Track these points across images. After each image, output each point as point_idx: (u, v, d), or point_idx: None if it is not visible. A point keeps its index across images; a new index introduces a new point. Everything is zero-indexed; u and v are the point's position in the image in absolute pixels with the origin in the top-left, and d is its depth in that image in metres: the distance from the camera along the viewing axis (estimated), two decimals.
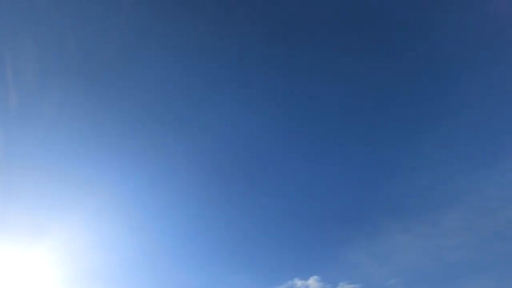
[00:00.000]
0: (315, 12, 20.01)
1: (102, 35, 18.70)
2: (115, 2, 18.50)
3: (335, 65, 20.67)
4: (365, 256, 18.93)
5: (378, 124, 20.87)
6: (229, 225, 21.01)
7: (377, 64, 20.55)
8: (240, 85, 21.04)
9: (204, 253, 20.77)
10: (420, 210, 19.03)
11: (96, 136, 19.50)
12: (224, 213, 21.11)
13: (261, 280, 18.89)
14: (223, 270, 19.52)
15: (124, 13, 18.66)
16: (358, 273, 18.41)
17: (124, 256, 19.62)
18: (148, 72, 19.93)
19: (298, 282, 18.38)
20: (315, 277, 18.33)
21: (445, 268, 17.39)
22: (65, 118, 18.70)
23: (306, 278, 18.41)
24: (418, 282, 17.49)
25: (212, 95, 21.03)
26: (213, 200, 21.24)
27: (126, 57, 19.50)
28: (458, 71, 19.88)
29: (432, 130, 20.09)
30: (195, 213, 21.22)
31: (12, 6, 16.37)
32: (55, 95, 18.33)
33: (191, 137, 21.44)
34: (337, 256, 19.34)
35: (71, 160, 18.78)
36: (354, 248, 19.26)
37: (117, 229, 19.65)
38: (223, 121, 21.46)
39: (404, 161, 20.32)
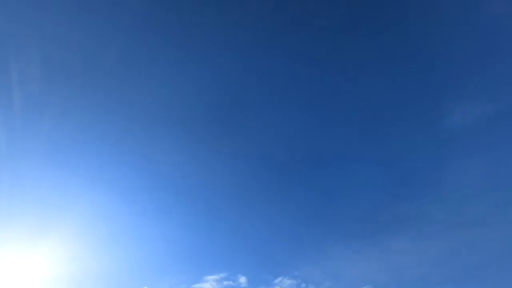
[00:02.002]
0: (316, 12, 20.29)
1: (105, 37, 19.14)
2: (118, 6, 18.98)
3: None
4: (322, 273, 19.51)
5: (327, 151, 21.66)
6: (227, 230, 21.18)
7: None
8: (238, 86, 21.37)
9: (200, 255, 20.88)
10: (368, 234, 19.90)
11: (98, 138, 19.83)
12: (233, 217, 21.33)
13: None
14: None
15: (127, 15, 19.10)
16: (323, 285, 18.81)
17: (125, 256, 19.78)
18: (149, 74, 20.22)
19: None
20: None
21: (402, 282, 18.16)
22: (68, 118, 19.08)
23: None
24: None
25: (211, 96, 21.33)
26: (211, 205, 21.50)
27: (129, 59, 19.89)
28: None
29: (379, 156, 20.83)
30: (193, 215, 21.41)
31: (15, 9, 16.89)
32: (58, 96, 18.68)
33: (191, 138, 21.68)
34: (297, 270, 19.75)
35: (74, 160, 19.20)
36: (311, 267, 19.82)
37: (118, 229, 19.86)
38: (221, 122, 21.68)
39: (351, 185, 21.02)
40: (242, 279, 19.08)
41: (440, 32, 19.30)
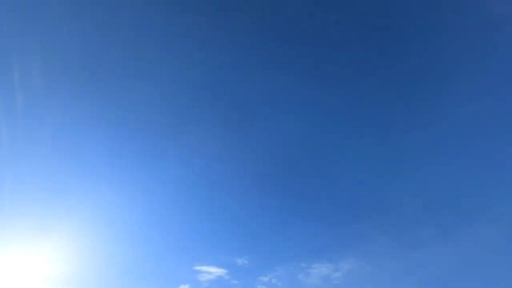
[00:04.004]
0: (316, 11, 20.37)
1: (109, 35, 19.20)
2: (120, 5, 19.03)
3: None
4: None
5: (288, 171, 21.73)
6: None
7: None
8: (238, 85, 21.52)
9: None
10: (317, 254, 20.25)
11: (100, 137, 19.82)
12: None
13: None
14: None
15: (130, 14, 19.16)
16: None
17: (126, 257, 19.87)
18: (153, 72, 20.26)
19: None
20: None
21: None
22: (71, 118, 19.06)
23: None
24: None
25: (211, 97, 21.50)
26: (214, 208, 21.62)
27: (132, 58, 19.85)
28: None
29: (324, 178, 21.15)
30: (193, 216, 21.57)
31: (17, 8, 16.93)
32: (61, 95, 18.66)
33: (192, 140, 21.78)
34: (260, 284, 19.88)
35: (76, 160, 19.23)
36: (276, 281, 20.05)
37: (119, 229, 19.92)
38: (220, 123, 21.88)
39: (296, 205, 21.18)
40: None
41: (392, 50, 19.77)
